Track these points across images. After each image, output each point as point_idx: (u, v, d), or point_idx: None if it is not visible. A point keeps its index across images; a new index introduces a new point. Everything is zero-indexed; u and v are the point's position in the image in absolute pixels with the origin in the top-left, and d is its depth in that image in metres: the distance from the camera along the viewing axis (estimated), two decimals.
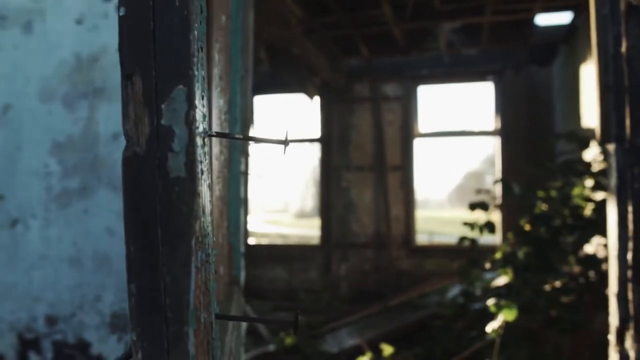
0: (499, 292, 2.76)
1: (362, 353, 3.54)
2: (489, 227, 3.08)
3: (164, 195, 0.42)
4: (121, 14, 0.42)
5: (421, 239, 9.03)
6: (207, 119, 0.51)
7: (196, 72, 0.44)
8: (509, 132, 5.40)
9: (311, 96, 5.59)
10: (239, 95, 1.36)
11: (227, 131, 1.18)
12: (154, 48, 0.42)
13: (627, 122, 1.23)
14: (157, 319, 0.41)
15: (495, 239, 5.19)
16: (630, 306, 1.21)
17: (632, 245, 1.21)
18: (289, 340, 3.72)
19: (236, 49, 1.31)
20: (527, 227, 2.66)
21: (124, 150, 0.42)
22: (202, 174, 0.46)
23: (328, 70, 5.36)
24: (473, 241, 3.20)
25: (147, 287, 0.41)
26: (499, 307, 2.07)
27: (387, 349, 3.32)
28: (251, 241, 6.43)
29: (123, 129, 0.43)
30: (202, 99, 0.50)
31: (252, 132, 1.47)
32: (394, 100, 5.74)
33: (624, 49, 1.24)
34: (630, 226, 1.22)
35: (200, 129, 0.47)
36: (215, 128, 0.94)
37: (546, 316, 2.34)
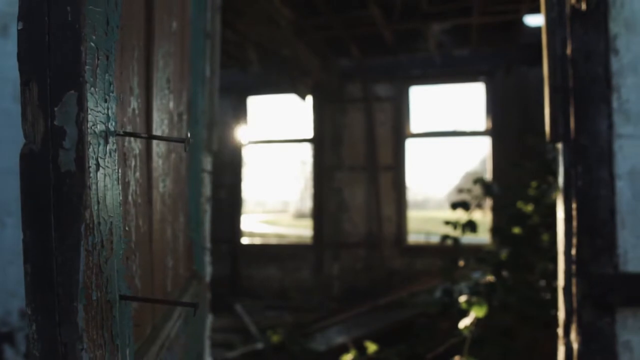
0: (477, 290, 2.81)
1: (349, 351, 3.58)
2: (471, 226, 3.12)
3: (56, 186, 0.47)
4: (19, 27, 0.47)
5: (418, 239, 9.06)
6: (111, 119, 0.56)
7: (90, 79, 0.49)
8: (499, 132, 5.44)
9: (303, 97, 5.65)
10: (202, 97, 1.42)
11: (187, 132, 1.23)
12: (49, 58, 0.47)
13: (572, 121, 1.28)
14: (50, 296, 0.46)
15: (488, 238, 5.23)
16: (574, 300, 1.25)
17: (576, 241, 1.25)
18: (275, 338, 3.77)
19: (197, 52, 1.37)
20: (504, 226, 2.70)
21: (22, 148, 0.48)
22: (98, 168, 0.51)
23: (319, 70, 5.42)
24: (456, 240, 3.25)
25: (41, 267, 0.46)
26: (470, 304, 2.11)
27: (371, 347, 3.37)
28: (244, 240, 6.48)
29: (22, 129, 0.48)
30: (106, 101, 0.55)
31: (219, 133, 1.53)
32: (385, 101, 5.79)
33: (569, 51, 1.28)
34: (575, 223, 1.26)
35: (100, 128, 0.53)
36: (164, 129, 0.99)
37: (520, 313, 2.38)
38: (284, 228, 14.65)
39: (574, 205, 1.26)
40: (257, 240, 7.81)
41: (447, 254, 4.42)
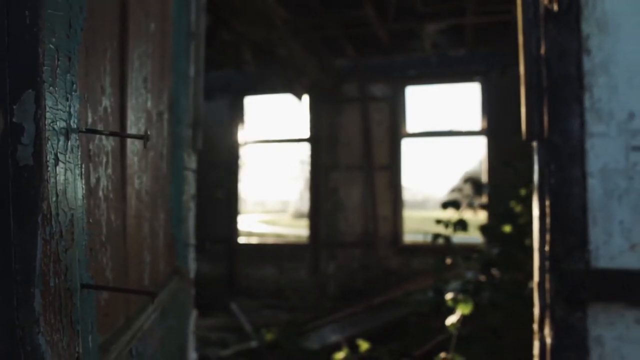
0: (466, 289, 2.83)
1: (342, 349, 3.61)
2: (462, 225, 3.15)
3: (15, 180, 0.50)
4: None
5: (417, 238, 9.06)
6: (73, 117, 0.59)
7: (49, 79, 0.52)
8: (495, 132, 5.46)
9: (299, 97, 5.68)
10: (185, 96, 1.45)
11: (166, 131, 1.26)
12: (8, 59, 0.50)
13: (545, 120, 1.30)
14: (8, 282, 0.49)
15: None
16: (547, 295, 1.28)
17: (549, 237, 1.28)
18: (269, 337, 3.80)
19: (180, 52, 1.40)
20: (495, 225, 2.73)
21: None
22: (57, 163, 0.54)
23: (316, 70, 5.45)
24: (447, 239, 3.28)
25: (1, 255, 0.49)
26: (456, 302, 2.14)
27: (364, 345, 3.40)
28: (242, 240, 6.52)
29: None
30: (67, 100, 0.58)
31: (201, 133, 1.56)
32: (382, 101, 5.82)
33: (543, 51, 1.31)
34: (548, 220, 1.29)
35: (60, 125, 0.56)
36: (141, 127, 1.02)
37: (508, 311, 2.41)
38: (283, 228, 14.69)
39: (547, 203, 1.29)
40: (254, 240, 7.84)
41: (443, 253, 4.45)
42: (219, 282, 5.89)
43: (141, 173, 1.01)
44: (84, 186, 0.63)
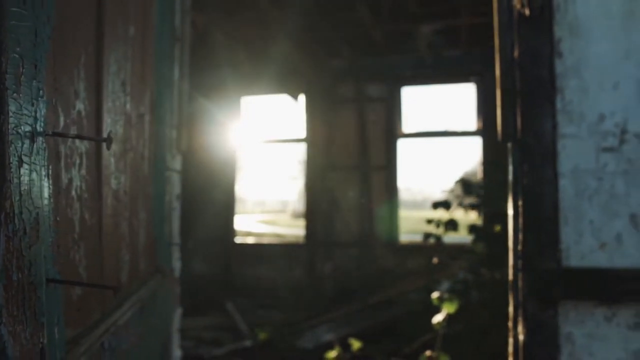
0: (455, 288, 2.86)
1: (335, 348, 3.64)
2: (452, 225, 3.18)
3: None
4: None
5: (417, 238, 9.08)
6: (39, 121, 0.62)
7: (13, 85, 0.56)
8: (490, 133, 5.48)
9: (295, 97, 5.71)
10: (169, 98, 1.48)
11: (148, 133, 1.30)
12: None
13: (518, 121, 1.33)
14: None
15: None
16: (520, 293, 1.31)
17: (522, 237, 1.31)
18: (262, 336, 3.83)
19: (163, 55, 1.43)
20: (484, 225, 2.76)
21: None
22: (22, 164, 0.57)
23: (311, 71, 5.48)
24: (438, 238, 3.31)
25: None
26: (441, 301, 2.17)
27: (356, 344, 3.43)
28: (238, 240, 6.55)
29: None
30: (33, 105, 0.61)
31: (187, 133, 1.59)
32: (377, 101, 5.85)
33: (516, 54, 1.34)
34: (521, 219, 1.32)
35: (25, 129, 0.59)
36: (118, 129, 1.05)
37: (493, 309, 2.43)
38: (282, 228, 14.73)
39: (520, 203, 1.32)
40: (251, 240, 7.87)
41: (438, 253, 4.48)
42: (216, 281, 5.92)
43: (119, 173, 1.04)
44: (50, 186, 0.66)
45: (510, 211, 1.39)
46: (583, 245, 1.27)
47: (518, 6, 1.32)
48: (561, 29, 1.30)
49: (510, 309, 1.37)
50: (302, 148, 6.13)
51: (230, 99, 6.18)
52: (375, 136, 5.84)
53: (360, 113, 5.85)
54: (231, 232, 6.30)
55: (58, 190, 0.72)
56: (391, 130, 5.83)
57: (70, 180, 0.80)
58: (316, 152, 5.99)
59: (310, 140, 6.01)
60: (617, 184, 1.26)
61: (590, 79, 1.28)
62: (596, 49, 1.29)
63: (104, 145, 0.95)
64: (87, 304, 0.86)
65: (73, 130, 0.81)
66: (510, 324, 1.39)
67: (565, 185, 1.28)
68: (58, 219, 0.71)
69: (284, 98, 6.04)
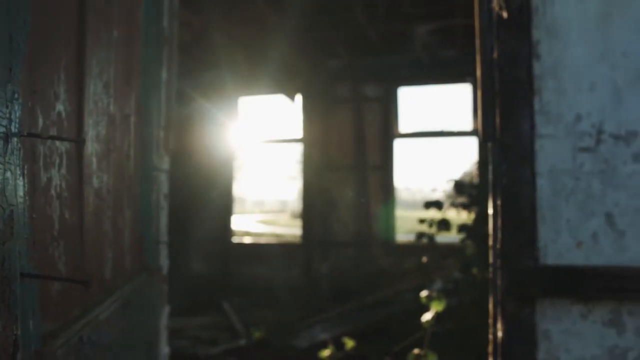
0: (447, 287, 2.88)
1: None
2: (444, 224, 3.20)
3: None
4: None
5: (413, 239, 9.13)
6: (14, 122, 0.65)
7: None
8: None
9: (292, 97, 5.74)
10: (156, 100, 1.50)
11: (133, 133, 1.32)
12: None
13: (497, 122, 1.35)
14: None
15: None
16: (499, 292, 1.33)
17: (500, 235, 1.33)
18: (257, 335, 3.86)
19: (150, 57, 1.46)
20: (474, 225, 2.78)
21: None
22: None
23: (308, 71, 5.50)
24: (430, 237, 3.33)
25: None
26: (430, 300, 2.19)
27: (349, 343, 3.45)
28: (235, 240, 6.58)
29: None
30: (7, 107, 0.64)
31: (173, 135, 1.61)
32: (374, 101, 5.87)
33: (495, 56, 1.36)
34: (499, 219, 1.34)
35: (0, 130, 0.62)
36: (101, 130, 1.08)
37: (481, 308, 2.45)
38: (282, 228, 14.76)
39: (499, 202, 1.34)
40: (248, 240, 7.90)
41: (431, 252, 4.49)
42: (213, 281, 5.95)
43: (102, 173, 1.07)
44: (26, 185, 0.69)
45: (490, 210, 1.41)
46: (560, 244, 1.29)
47: (497, 8, 1.34)
48: (539, 31, 1.33)
49: (490, 307, 1.39)
50: (299, 148, 6.16)
51: (228, 100, 6.21)
52: (372, 136, 5.87)
53: (357, 113, 5.87)
54: (229, 232, 6.33)
55: (34, 189, 0.75)
56: (388, 130, 5.86)
57: (50, 179, 0.82)
58: (313, 152, 6.02)
59: (307, 140, 6.04)
60: (593, 183, 1.28)
61: (568, 80, 1.31)
62: (573, 51, 1.31)
63: (87, 145, 0.98)
64: (67, 299, 0.88)
65: (53, 131, 0.84)
66: (490, 321, 1.41)
67: (543, 184, 1.30)
68: (34, 216, 0.74)
69: (281, 98, 6.07)
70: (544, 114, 1.31)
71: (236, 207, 6.94)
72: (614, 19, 1.29)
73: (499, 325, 1.34)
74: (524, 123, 1.32)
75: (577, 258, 1.28)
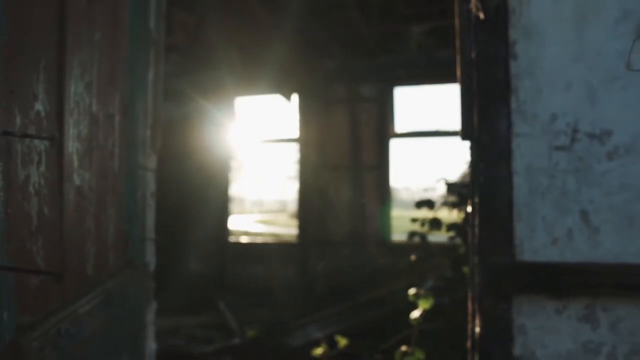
0: (438, 286, 2.91)
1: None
2: (436, 224, 3.23)
3: None
4: None
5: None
6: None
7: None
8: None
9: (287, 97, 5.76)
10: (142, 99, 1.53)
11: (118, 132, 1.35)
12: None
13: (475, 121, 1.38)
14: None
15: None
16: (477, 288, 1.36)
17: (478, 233, 1.36)
18: (251, 334, 3.89)
19: (136, 57, 1.48)
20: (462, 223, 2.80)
21: None
22: None
23: (304, 72, 5.53)
24: (423, 236, 3.36)
25: None
26: (417, 298, 2.22)
27: (342, 341, 3.48)
28: (232, 239, 6.61)
29: None
30: None
31: (160, 134, 1.64)
32: (370, 101, 5.90)
33: (474, 56, 1.39)
34: (477, 216, 1.36)
35: None
36: (82, 129, 1.11)
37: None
38: (280, 228, 14.79)
39: (476, 200, 1.36)
40: (245, 239, 7.93)
41: (422, 252, 4.50)
42: (210, 280, 5.98)
43: (83, 171, 1.09)
44: (1, 181, 0.72)
45: (469, 208, 1.44)
46: (536, 240, 1.31)
47: (474, 9, 1.37)
48: (516, 31, 1.35)
49: (469, 304, 1.42)
50: (295, 148, 6.19)
51: (225, 100, 6.24)
52: (367, 136, 5.89)
53: (353, 113, 5.90)
54: (226, 232, 6.36)
55: (9, 185, 0.77)
56: (384, 130, 5.88)
57: (28, 177, 0.85)
58: (309, 152, 6.04)
59: (303, 140, 6.06)
60: (568, 181, 1.30)
61: (544, 80, 1.33)
62: (549, 51, 1.33)
63: (69, 143, 1.01)
64: (46, 293, 0.91)
65: (31, 130, 0.86)
66: (469, 317, 1.44)
67: (520, 182, 1.33)
68: (9, 211, 0.76)
69: (277, 98, 6.10)
70: (521, 113, 1.34)
71: (235, 207, 6.97)
72: (589, 19, 1.32)
73: (477, 321, 1.37)
74: (501, 122, 1.35)
75: (552, 255, 1.30)
